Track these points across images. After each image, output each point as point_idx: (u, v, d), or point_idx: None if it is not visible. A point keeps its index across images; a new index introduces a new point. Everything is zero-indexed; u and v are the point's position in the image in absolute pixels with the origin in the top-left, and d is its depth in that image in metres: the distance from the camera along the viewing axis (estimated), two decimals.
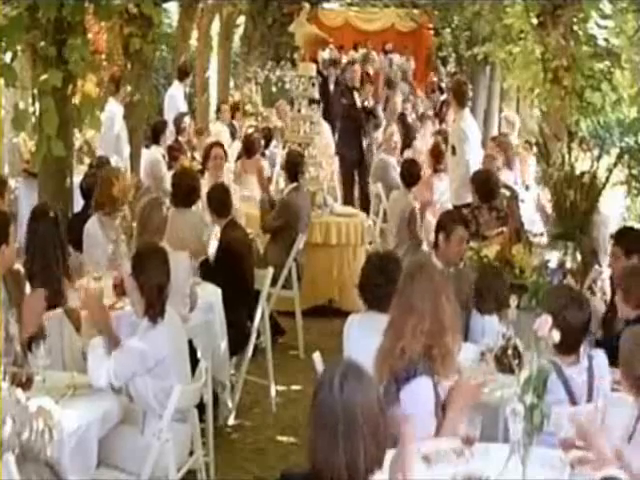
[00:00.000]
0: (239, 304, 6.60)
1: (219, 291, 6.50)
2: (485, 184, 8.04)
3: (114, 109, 9.64)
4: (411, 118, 15.71)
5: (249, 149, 10.51)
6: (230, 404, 6.60)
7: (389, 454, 3.07)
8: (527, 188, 10.23)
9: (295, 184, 8.86)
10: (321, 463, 2.78)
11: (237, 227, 7.29)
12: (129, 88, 9.52)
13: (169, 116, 12.06)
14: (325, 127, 12.49)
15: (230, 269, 6.73)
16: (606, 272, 7.30)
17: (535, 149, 9.55)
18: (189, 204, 7.26)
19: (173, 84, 13.63)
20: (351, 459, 2.75)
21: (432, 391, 4.04)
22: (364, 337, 4.85)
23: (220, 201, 7.16)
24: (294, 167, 8.88)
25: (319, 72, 14.42)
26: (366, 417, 2.78)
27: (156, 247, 5.21)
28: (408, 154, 12.53)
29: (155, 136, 10.27)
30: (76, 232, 6.77)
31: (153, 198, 6.66)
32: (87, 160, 9.73)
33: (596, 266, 6.83)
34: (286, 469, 3.01)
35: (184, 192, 7.23)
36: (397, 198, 9.24)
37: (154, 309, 4.80)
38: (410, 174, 9.13)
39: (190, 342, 5.50)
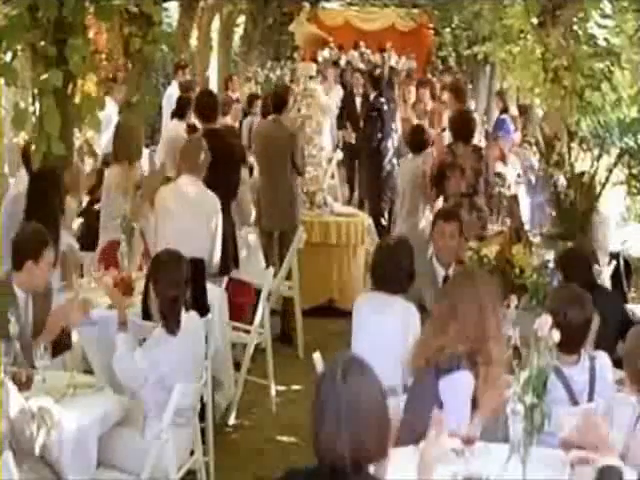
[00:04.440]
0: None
1: (219, 290, 6.51)
2: (464, 124, 8.09)
3: (111, 108, 9.66)
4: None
5: None
6: (224, 404, 6.59)
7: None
8: (519, 176, 10.23)
9: (274, 116, 8.73)
10: (324, 451, 2.79)
11: None
12: (124, 87, 9.52)
13: (167, 115, 12.08)
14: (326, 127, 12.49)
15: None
16: (606, 272, 7.31)
17: (535, 148, 9.57)
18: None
19: (172, 84, 13.65)
20: (355, 448, 2.76)
21: (471, 389, 4.07)
22: (374, 313, 5.16)
23: None
24: (278, 99, 8.76)
25: (319, 71, 14.42)
26: (369, 408, 2.80)
27: (173, 256, 5.15)
28: None
29: (180, 110, 10.31)
30: (80, 230, 6.88)
31: (197, 138, 6.80)
32: (87, 159, 9.75)
33: (596, 266, 6.83)
34: (290, 466, 3.02)
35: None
36: (406, 164, 9.21)
37: (169, 321, 4.81)
38: (418, 139, 9.15)
39: None
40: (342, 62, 26.27)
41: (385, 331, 5.12)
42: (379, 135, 11.54)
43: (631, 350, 4.12)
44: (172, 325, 4.79)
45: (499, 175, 9.10)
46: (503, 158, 10.38)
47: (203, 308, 5.98)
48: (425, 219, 8.53)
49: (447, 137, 9.57)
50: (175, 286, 4.83)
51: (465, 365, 4.07)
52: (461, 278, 4.37)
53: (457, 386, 4.06)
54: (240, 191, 7.52)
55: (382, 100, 11.82)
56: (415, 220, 8.67)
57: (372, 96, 11.99)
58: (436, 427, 3.42)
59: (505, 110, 13.15)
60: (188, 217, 6.22)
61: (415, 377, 4.32)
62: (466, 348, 4.09)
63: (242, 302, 7.06)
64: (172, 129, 10.23)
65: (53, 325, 4.98)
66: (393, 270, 5.22)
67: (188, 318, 4.93)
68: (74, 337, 5.45)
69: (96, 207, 7.71)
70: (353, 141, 13.10)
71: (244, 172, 7.63)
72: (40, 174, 6.15)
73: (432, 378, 4.09)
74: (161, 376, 4.71)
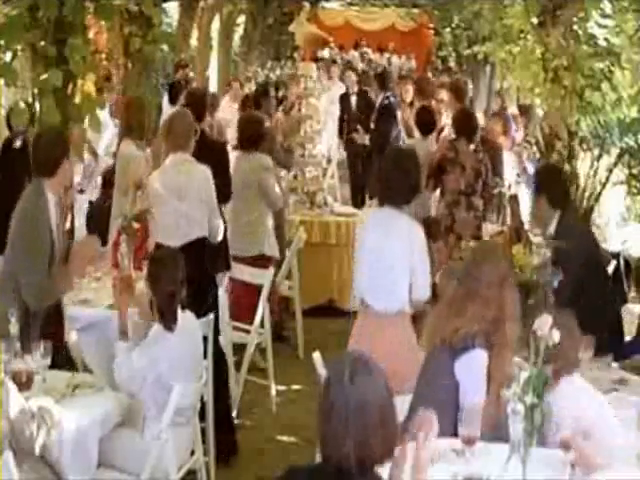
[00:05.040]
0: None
1: (220, 290, 6.51)
2: (467, 121, 8.11)
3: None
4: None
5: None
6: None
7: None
8: (518, 175, 10.23)
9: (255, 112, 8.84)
10: (330, 451, 2.81)
11: None
12: (118, 87, 9.55)
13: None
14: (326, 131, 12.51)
15: None
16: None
17: (535, 148, 9.57)
18: (254, 148, 7.52)
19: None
20: (360, 449, 2.77)
21: (485, 367, 4.07)
22: (380, 237, 5.13)
23: None
24: (259, 95, 8.96)
25: (321, 68, 14.51)
26: (376, 409, 2.80)
27: (170, 253, 5.20)
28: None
29: (172, 95, 10.44)
30: (94, 221, 6.96)
31: (176, 112, 6.78)
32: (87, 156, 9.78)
33: None
34: (291, 464, 3.02)
35: (249, 136, 7.56)
36: (413, 146, 9.18)
37: (165, 317, 4.82)
38: (426, 120, 9.15)
39: None
40: (341, 61, 26.24)
41: (392, 254, 5.12)
42: (393, 133, 11.66)
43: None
44: (169, 322, 4.81)
45: (497, 148, 9.05)
46: (506, 133, 10.32)
47: (208, 289, 6.05)
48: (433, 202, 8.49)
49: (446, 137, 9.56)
50: (172, 283, 4.84)
51: (480, 343, 4.06)
52: (481, 254, 4.29)
53: (473, 365, 4.06)
54: (263, 178, 7.49)
55: (392, 99, 11.91)
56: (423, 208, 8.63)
57: (382, 96, 12.05)
58: (425, 428, 3.41)
59: (503, 109, 13.15)
60: (176, 201, 6.07)
61: (428, 355, 4.29)
62: (481, 327, 4.07)
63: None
64: (165, 114, 10.38)
65: (80, 262, 5.08)
66: (399, 180, 5.16)
67: (184, 317, 4.94)
68: (72, 337, 5.45)
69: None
70: (367, 142, 13.03)
71: (266, 159, 7.62)
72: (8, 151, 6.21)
73: (447, 357, 4.09)
74: (160, 374, 4.71)
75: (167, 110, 11.31)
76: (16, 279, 4.90)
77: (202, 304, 5.82)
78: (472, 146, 8.01)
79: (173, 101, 10.64)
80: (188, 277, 5.41)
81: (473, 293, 4.12)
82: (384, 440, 2.82)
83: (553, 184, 5.93)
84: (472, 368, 4.05)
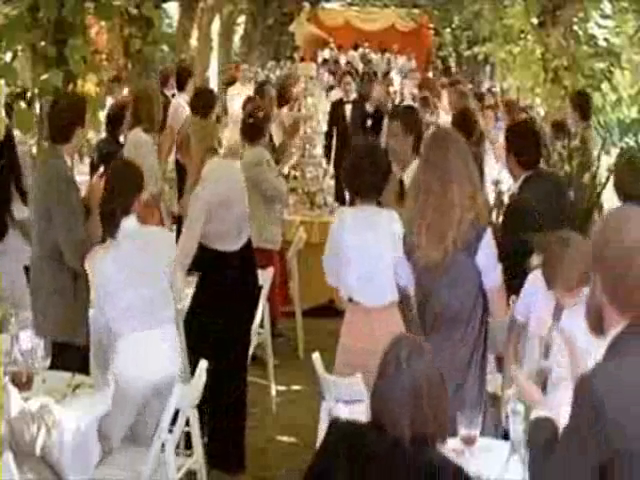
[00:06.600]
0: None
1: None
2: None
3: None
4: None
5: None
6: None
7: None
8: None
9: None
10: (386, 422, 2.99)
11: None
12: (126, 88, 9.56)
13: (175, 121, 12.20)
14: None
15: None
16: None
17: None
18: (252, 141, 7.61)
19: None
20: (416, 425, 2.97)
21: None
22: (366, 242, 5.16)
23: None
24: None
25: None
26: (430, 390, 3.01)
27: (125, 166, 5.19)
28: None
29: (180, 83, 10.57)
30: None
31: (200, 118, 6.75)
32: (87, 159, 9.78)
33: None
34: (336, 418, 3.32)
35: (246, 129, 7.67)
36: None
37: (108, 229, 4.84)
38: (411, 120, 9.15)
39: (197, 342, 5.50)
40: (342, 62, 26.27)
41: (379, 251, 5.14)
42: None
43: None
44: (111, 231, 4.80)
45: (479, 142, 9.06)
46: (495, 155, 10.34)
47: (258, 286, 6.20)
48: None
49: None
50: (114, 202, 4.83)
51: (483, 221, 4.37)
52: (441, 140, 4.46)
53: (488, 244, 4.36)
54: (257, 173, 7.44)
55: None
56: None
57: None
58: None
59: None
60: (240, 206, 5.94)
61: (442, 264, 4.40)
62: (469, 199, 4.30)
63: None
64: (175, 100, 10.47)
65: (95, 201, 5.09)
66: (373, 172, 5.18)
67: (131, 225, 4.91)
68: None
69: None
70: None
71: (259, 154, 7.61)
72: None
73: (466, 257, 4.34)
74: (113, 289, 4.75)
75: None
76: (57, 248, 5.01)
77: (255, 304, 6.15)
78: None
79: (180, 89, 10.85)
80: (248, 278, 5.85)
81: (447, 178, 4.33)
82: (439, 417, 3.01)
83: (521, 146, 5.75)
84: (487, 248, 4.36)
